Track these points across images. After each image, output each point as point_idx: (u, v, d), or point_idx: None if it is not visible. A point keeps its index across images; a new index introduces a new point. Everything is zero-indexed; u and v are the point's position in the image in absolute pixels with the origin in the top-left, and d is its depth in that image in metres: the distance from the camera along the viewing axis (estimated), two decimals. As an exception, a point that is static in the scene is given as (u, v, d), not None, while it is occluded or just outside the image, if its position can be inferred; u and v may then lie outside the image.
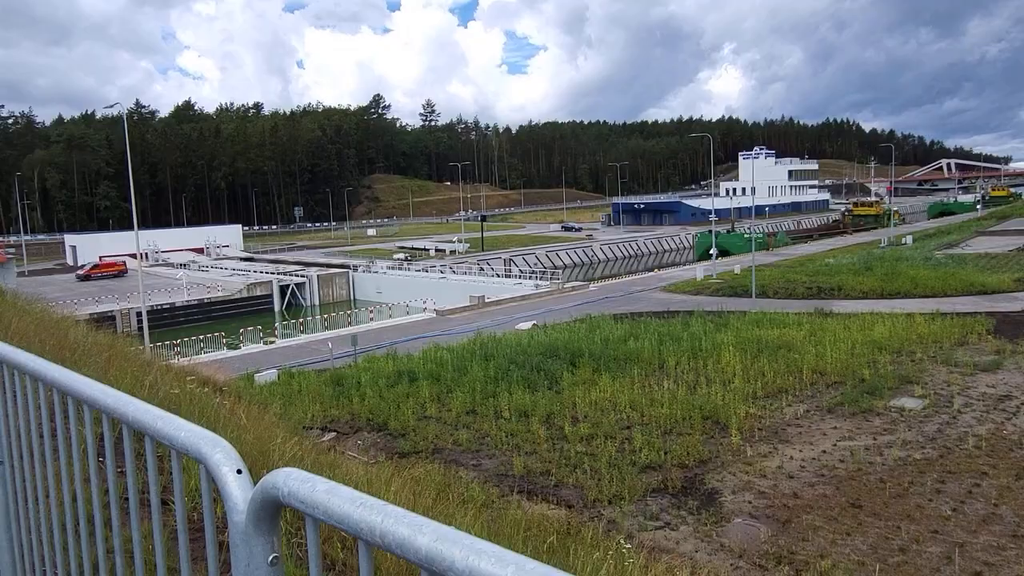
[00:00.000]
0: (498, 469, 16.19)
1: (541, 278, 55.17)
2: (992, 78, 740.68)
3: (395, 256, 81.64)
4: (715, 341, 25.53)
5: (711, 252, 59.72)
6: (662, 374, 22.86)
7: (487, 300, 45.86)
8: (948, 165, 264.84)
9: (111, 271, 76.52)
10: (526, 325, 37.13)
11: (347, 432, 20.40)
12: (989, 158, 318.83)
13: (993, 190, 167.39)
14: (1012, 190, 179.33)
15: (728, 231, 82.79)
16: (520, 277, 58.79)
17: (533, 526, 12.67)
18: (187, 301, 57.50)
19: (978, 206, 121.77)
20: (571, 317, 37.98)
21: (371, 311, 45.54)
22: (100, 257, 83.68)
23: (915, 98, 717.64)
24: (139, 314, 53.79)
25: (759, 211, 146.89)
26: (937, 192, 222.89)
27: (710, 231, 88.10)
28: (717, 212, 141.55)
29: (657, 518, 13.54)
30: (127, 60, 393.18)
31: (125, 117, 37.66)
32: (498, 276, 61.26)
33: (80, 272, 76.45)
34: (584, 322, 32.95)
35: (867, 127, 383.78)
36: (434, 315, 43.18)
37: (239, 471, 1.41)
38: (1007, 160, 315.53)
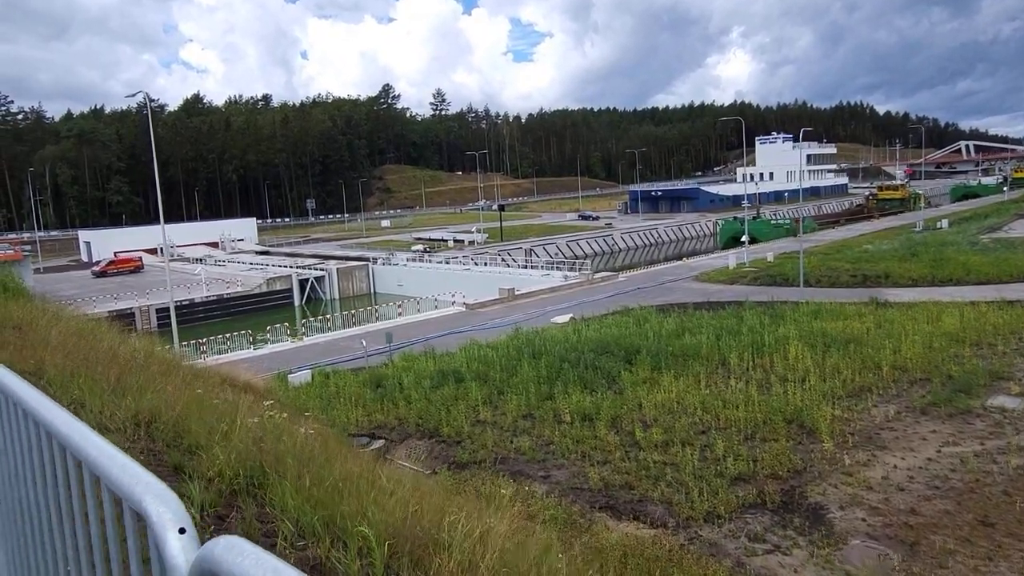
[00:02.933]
0: (571, 482, 14.81)
1: (570, 269, 53.64)
2: (1006, 58, 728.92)
3: (413, 248, 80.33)
4: (777, 335, 24.02)
5: (742, 240, 58.09)
6: (726, 372, 21.40)
7: (517, 293, 44.47)
8: (967, 147, 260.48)
9: (127, 267, 75.62)
10: (563, 318, 35.72)
11: (395, 440, 19.08)
12: (1004, 139, 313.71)
13: (1015, 172, 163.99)
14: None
15: (754, 217, 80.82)
16: (547, 268, 57.28)
17: (631, 552, 11.32)
18: (206, 297, 56.42)
19: (1005, 188, 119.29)
20: (607, 309, 36.53)
21: (399, 305, 44.25)
22: (115, 253, 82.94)
23: (928, 79, 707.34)
24: (159, 311, 52.80)
25: (778, 196, 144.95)
26: (956, 175, 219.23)
27: (735, 218, 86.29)
28: (737, 198, 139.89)
29: (763, 539, 12.13)
30: (129, 54, 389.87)
31: (147, 106, 36.30)
32: (524, 267, 59.78)
33: (96, 269, 75.59)
34: (628, 315, 31.48)
35: (880, 110, 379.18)
36: (464, 309, 41.83)
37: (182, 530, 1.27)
38: (1022, 141, 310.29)
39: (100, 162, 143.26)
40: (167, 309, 52.68)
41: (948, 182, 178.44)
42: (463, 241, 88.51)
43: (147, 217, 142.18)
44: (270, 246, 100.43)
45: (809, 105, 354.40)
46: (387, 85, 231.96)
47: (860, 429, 16.46)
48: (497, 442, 17.35)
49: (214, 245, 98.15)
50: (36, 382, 6.90)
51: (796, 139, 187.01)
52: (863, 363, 20.84)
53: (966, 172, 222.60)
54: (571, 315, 36.30)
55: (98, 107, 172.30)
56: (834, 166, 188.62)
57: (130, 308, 51.64)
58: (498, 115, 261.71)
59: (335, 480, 4.41)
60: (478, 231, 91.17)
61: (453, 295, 46.61)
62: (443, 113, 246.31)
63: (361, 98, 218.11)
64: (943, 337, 23.21)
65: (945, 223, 66.54)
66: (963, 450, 15.05)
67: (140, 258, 79.25)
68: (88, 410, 5.77)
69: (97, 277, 72.78)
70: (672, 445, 16.10)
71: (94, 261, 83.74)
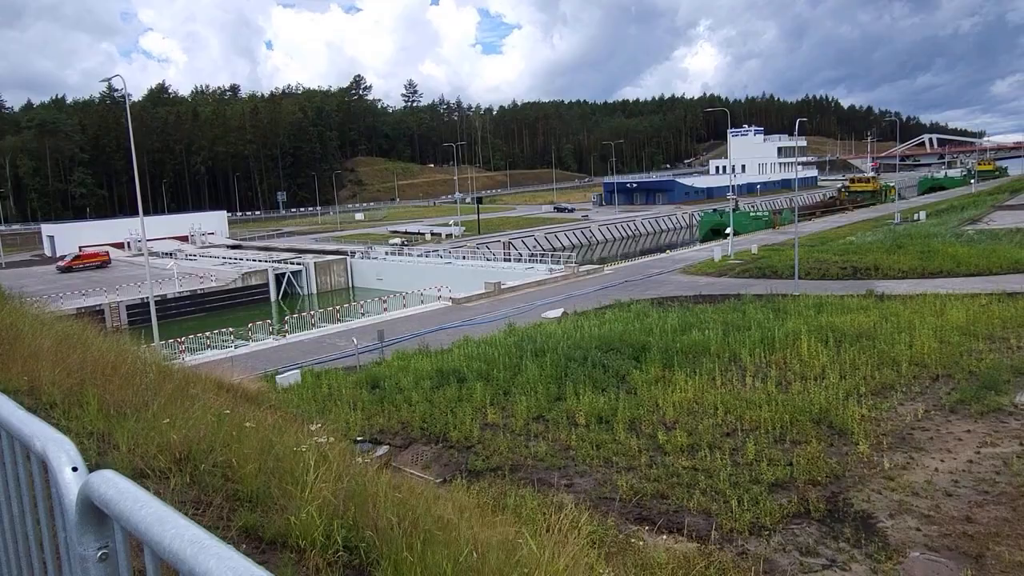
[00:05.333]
0: (598, 491, 13.89)
1: (554, 262, 52.76)
2: (964, 53, 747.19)
3: (391, 241, 78.83)
4: (785, 330, 23.37)
5: (726, 232, 57.78)
6: (739, 369, 20.67)
7: (503, 286, 43.47)
8: (930, 140, 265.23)
9: (93, 262, 73.09)
10: (554, 313, 34.85)
11: (400, 445, 18.01)
12: (963, 132, 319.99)
13: (980, 164, 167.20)
14: (997, 163, 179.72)
15: (733, 209, 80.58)
16: (530, 261, 56.35)
17: (680, 570, 10.48)
18: (179, 293, 54.47)
19: (972, 180, 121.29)
20: (598, 303, 35.79)
21: (384, 301, 42.99)
22: (80, 247, 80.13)
23: (889, 74, 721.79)
24: (129, 307, 50.87)
25: (750, 188, 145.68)
26: (920, 167, 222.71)
27: (714, 210, 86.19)
28: (711, 190, 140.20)
29: (816, 553, 11.35)
30: (86, 42, 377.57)
31: (125, 92, 34.39)
32: (506, 260, 58.78)
33: (61, 264, 72.99)
34: (627, 310, 30.66)
35: (844, 103, 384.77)
36: (450, 304, 40.74)
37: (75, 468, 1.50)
38: (981, 134, 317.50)
39: (62, 153, 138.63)
40: (138, 305, 50.79)
41: (913, 174, 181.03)
42: (440, 234, 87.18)
43: (112, 210, 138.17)
44: (242, 239, 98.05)
45: (776, 98, 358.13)
46: (358, 76, 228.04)
47: (892, 429, 15.81)
48: (511, 447, 16.39)
49: (183, 239, 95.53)
50: (34, 405, 5.73)
51: (767, 132, 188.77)
52: (879, 359, 20.27)
53: (929, 165, 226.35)
54: (562, 309, 35.46)
55: (59, 96, 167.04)
56: (804, 158, 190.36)
57: (99, 305, 49.57)
58: (470, 107, 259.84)
59: (464, 548, 3.40)
60: (455, 224, 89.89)
61: (438, 289, 45.47)
62: (415, 105, 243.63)
63: (332, 89, 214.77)
64: (953, 331, 22.76)
65: (923, 215, 66.97)
66: (1004, 451, 14.46)
67: (107, 252, 76.64)
68: (115, 446, 4.68)
69: (62, 272, 70.21)
70: (699, 449, 15.30)
71: (58, 256, 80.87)
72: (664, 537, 12.11)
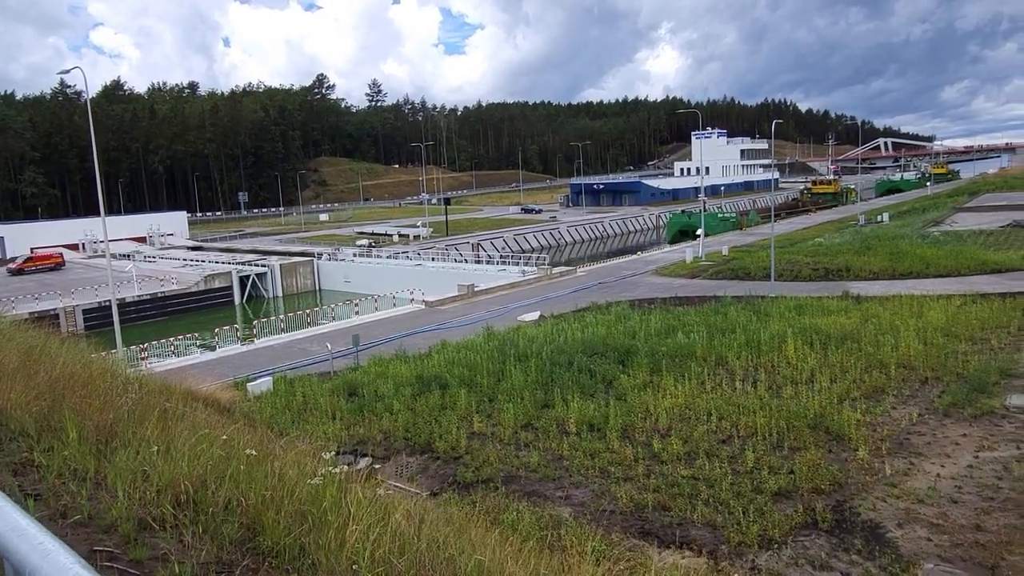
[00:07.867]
0: (597, 504, 13.35)
1: (526, 263, 52.23)
2: (915, 59, 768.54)
3: (358, 243, 77.49)
4: (770, 332, 23.15)
5: (696, 233, 57.95)
6: (727, 373, 20.35)
7: (476, 289, 42.79)
8: (885, 144, 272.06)
9: (47, 264, 70.45)
10: (530, 316, 34.30)
11: (382, 456, 17.25)
12: (915, 136, 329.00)
13: (934, 167, 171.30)
14: (950, 167, 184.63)
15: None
16: (501, 262, 55.73)
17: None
18: (138, 296, 52.57)
19: (928, 183, 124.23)
20: (575, 305, 35.37)
21: (355, 303, 41.97)
22: (31, 249, 77.14)
23: (844, 79, 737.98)
24: (86, 312, 48.98)
25: (714, 190, 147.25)
26: (875, 170, 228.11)
27: (683, 211, 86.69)
28: (677, 192, 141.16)
29: (828, 567, 10.96)
30: (31, 36, 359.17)
31: (87, 93, 32.93)
32: (477, 262, 58.07)
33: (11, 266, 70.17)
34: (607, 312, 30.23)
35: (803, 107, 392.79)
36: (423, 307, 39.92)
37: None
38: (932, 138, 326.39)
39: (12, 151, 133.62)
40: (95, 309, 48.95)
41: (870, 177, 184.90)
42: (408, 235, 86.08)
43: (64, 210, 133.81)
44: (203, 241, 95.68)
45: (736, 101, 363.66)
46: (321, 75, 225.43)
47: (888, 434, 15.58)
48: (501, 457, 15.77)
49: (141, 240, 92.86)
50: (1, 435, 4.92)
51: (729, 134, 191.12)
52: (867, 361, 20.13)
53: (884, 168, 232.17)
54: (539, 312, 34.93)
55: (8, 93, 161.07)
56: (766, 161, 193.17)
57: (54, 309, 47.58)
58: (435, 107, 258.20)
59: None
60: (423, 225, 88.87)
61: (411, 292, 44.58)
62: (379, 104, 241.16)
63: (294, 88, 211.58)
64: (935, 333, 22.77)
65: (886, 217, 68.06)
66: (1002, 455, 14.31)
67: (61, 254, 73.96)
68: (110, 491, 3.95)
69: (13, 275, 67.48)
70: (696, 457, 14.87)
71: (9, 258, 77.81)
72: (671, 552, 11.62)
